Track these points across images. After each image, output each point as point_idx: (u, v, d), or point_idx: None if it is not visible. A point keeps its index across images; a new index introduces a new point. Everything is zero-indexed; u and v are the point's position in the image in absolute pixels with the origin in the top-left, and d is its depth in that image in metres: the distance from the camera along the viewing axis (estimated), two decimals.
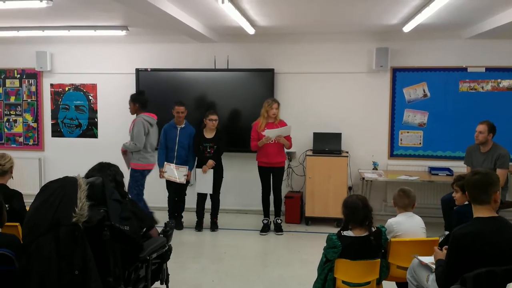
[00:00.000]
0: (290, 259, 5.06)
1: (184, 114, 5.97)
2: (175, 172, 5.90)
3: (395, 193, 3.68)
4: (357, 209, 3.21)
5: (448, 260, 2.63)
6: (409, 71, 6.51)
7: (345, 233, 3.21)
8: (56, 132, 7.34)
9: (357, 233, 3.21)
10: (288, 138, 5.83)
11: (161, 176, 5.93)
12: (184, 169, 5.91)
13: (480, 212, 2.62)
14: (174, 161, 5.92)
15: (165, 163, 5.91)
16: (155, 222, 3.60)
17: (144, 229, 3.32)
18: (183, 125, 6.00)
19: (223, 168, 6.06)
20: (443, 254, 2.86)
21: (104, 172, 3.16)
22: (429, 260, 3.04)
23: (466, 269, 2.43)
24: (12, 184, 3.79)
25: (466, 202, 3.64)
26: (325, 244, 3.25)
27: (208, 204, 6.08)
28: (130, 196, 5.66)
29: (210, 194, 6.02)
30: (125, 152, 5.63)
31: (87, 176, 3.07)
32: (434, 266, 2.89)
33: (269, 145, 5.75)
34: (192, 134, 6.01)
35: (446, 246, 2.98)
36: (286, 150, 5.98)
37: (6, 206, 3.15)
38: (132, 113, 5.76)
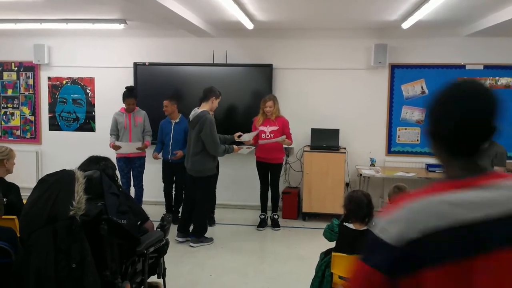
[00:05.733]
0: (287, 255, 5.07)
1: (167, 108, 5.88)
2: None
3: (391, 190, 3.69)
4: (361, 206, 3.24)
5: None
6: (408, 68, 6.51)
7: (345, 224, 3.26)
8: (54, 125, 7.32)
9: (357, 227, 3.24)
10: (288, 136, 5.80)
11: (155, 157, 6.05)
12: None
13: None
14: (170, 156, 5.91)
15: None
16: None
17: (139, 222, 3.31)
18: (177, 120, 5.97)
19: (220, 164, 6.06)
20: None
21: (93, 166, 3.13)
22: None
23: None
24: (9, 177, 3.78)
25: None
26: (322, 242, 3.26)
27: None
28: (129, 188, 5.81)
29: None
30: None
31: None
32: None
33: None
34: (187, 130, 5.98)
35: None
36: (285, 146, 5.98)
37: (4, 199, 3.15)
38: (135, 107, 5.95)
